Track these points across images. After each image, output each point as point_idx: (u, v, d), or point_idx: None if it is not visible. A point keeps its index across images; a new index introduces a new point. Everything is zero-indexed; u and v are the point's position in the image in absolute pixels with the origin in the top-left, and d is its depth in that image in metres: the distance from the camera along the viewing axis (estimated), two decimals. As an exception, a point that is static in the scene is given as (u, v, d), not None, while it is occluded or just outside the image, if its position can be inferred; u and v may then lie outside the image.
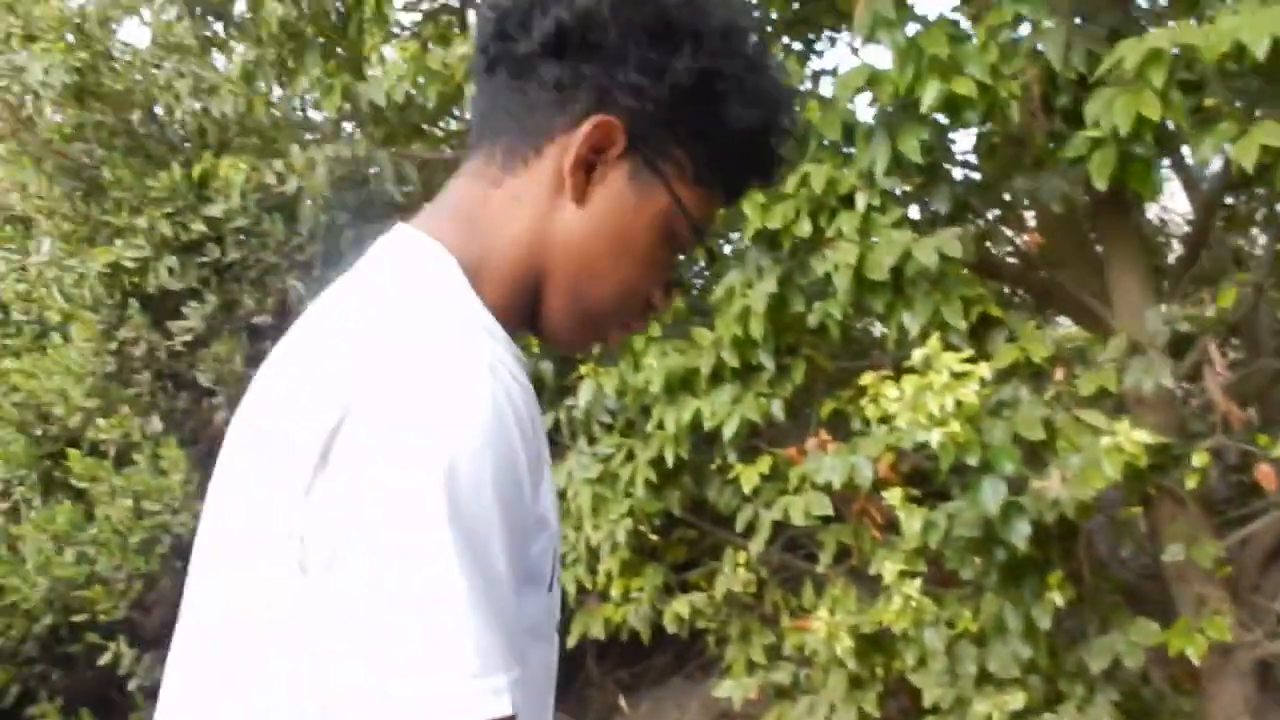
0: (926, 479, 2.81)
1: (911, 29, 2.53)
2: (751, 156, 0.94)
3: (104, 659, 3.63)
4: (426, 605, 0.71)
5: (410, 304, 0.82)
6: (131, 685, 3.60)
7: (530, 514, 0.80)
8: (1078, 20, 2.47)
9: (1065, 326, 3.33)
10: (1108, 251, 2.92)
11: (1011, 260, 3.33)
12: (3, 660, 3.86)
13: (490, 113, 0.91)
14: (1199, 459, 2.46)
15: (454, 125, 3.85)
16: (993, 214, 3.05)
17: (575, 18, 0.85)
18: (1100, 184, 2.34)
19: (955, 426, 2.22)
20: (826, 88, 3.53)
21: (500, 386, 0.77)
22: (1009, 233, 3.21)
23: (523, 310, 0.91)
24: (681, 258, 0.97)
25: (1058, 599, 2.51)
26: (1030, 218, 3.17)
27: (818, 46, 3.86)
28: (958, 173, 2.90)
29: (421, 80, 3.04)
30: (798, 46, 3.76)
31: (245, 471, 0.83)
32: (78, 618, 3.69)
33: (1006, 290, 3.43)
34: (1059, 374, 2.61)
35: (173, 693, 0.86)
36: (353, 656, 0.72)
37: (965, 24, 2.64)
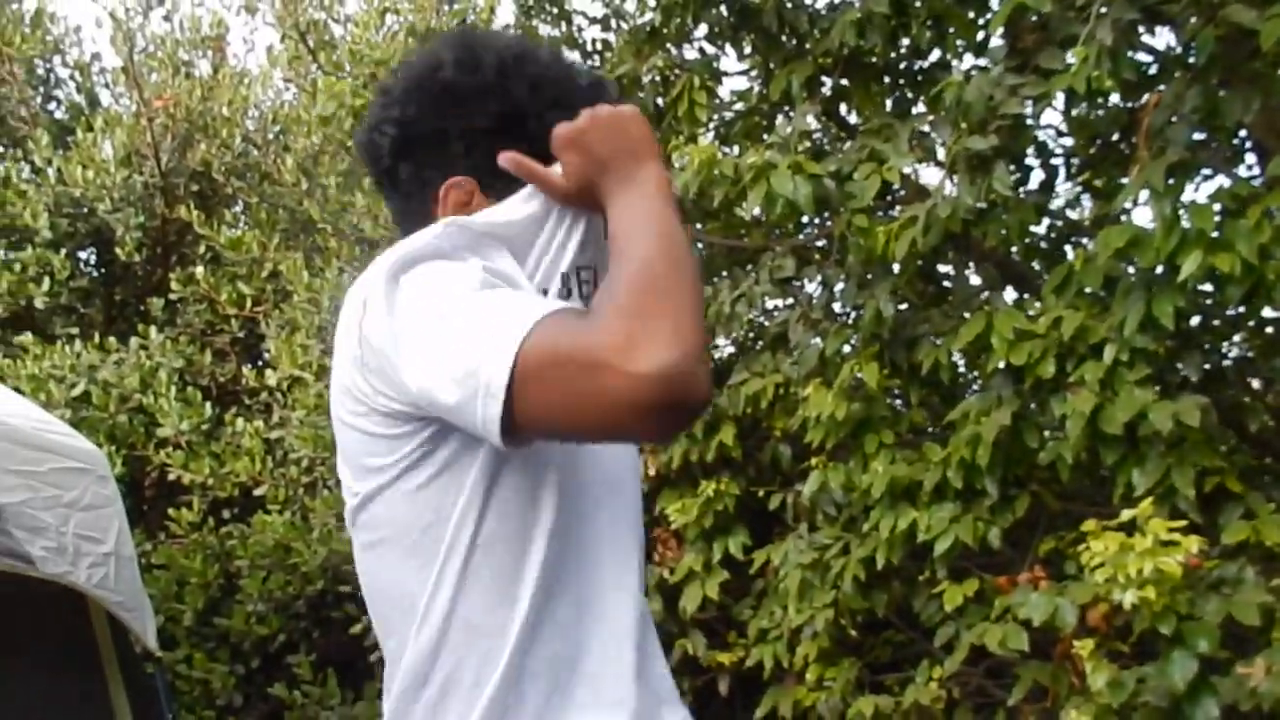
0: (1138, 636, 2.77)
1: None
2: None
3: (355, 629, 4.15)
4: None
5: None
6: (373, 657, 4.07)
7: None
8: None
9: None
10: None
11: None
12: (278, 611, 4.47)
13: (396, 213, 1.25)
14: None
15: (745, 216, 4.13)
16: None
17: (396, 129, 1.20)
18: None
19: (1150, 593, 2.24)
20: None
21: None
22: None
23: None
24: None
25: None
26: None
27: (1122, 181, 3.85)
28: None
29: (716, 175, 3.33)
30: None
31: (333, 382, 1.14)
32: (343, 588, 4.23)
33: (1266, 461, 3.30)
34: (1292, 562, 2.56)
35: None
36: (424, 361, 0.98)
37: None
